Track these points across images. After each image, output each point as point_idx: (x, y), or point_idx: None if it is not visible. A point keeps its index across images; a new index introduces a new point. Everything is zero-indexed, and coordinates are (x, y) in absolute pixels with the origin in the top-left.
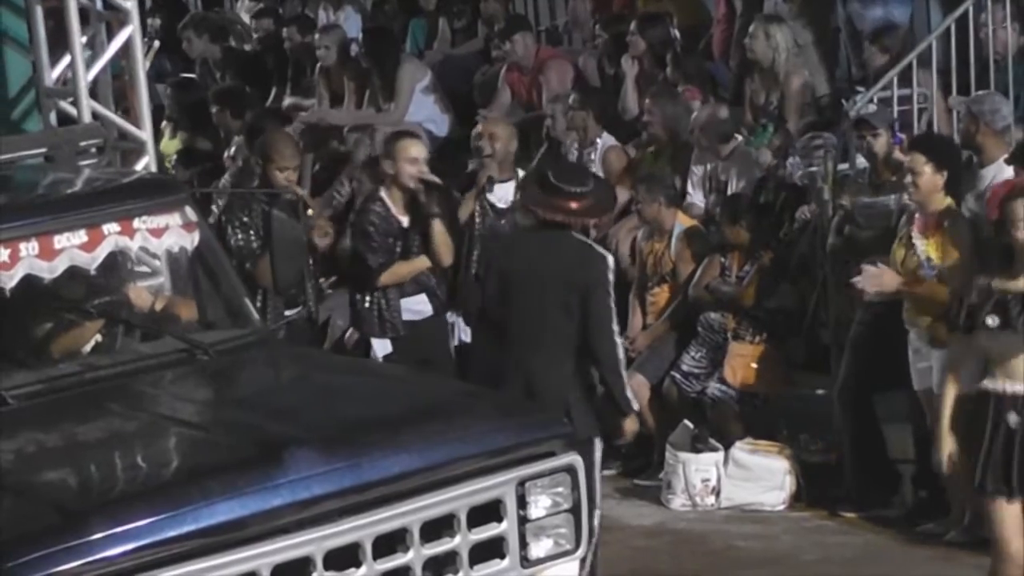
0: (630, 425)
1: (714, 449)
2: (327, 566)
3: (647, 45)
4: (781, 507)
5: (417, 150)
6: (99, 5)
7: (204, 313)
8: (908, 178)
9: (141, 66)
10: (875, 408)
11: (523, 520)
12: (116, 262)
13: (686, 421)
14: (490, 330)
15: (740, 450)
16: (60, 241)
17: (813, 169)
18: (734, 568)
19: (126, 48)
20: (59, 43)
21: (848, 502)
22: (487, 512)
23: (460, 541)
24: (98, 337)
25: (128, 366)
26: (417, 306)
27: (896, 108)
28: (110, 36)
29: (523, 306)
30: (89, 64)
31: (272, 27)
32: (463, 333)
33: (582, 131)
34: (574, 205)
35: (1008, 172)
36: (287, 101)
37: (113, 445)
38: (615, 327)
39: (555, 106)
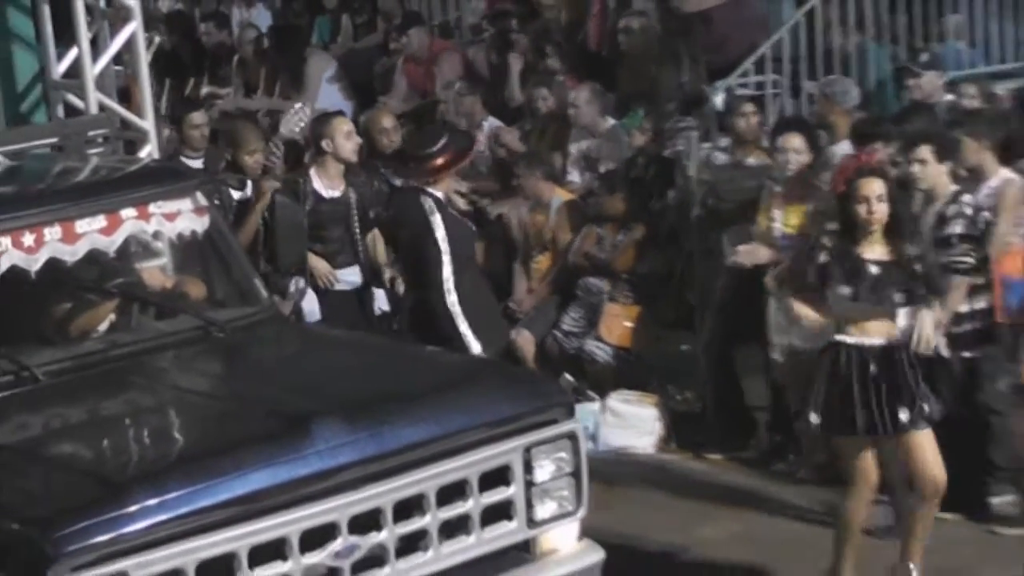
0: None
1: (592, 400)
2: (351, 530)
3: (530, 38)
4: (652, 450)
5: (350, 126)
6: (102, 3)
7: (216, 292)
8: (784, 156)
9: (143, 60)
10: (735, 362)
11: (529, 484)
12: (132, 245)
13: (566, 374)
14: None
15: (615, 400)
16: (81, 226)
17: (679, 148)
18: (613, 502)
19: (129, 43)
20: (61, 40)
21: (711, 445)
22: (496, 477)
23: (472, 505)
24: (117, 316)
25: (149, 343)
26: (349, 277)
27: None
28: (113, 32)
29: (403, 258)
30: (94, 59)
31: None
32: (383, 302)
33: (470, 115)
34: (439, 162)
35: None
36: (204, 90)
37: (144, 418)
38: (446, 279)
39: (447, 93)
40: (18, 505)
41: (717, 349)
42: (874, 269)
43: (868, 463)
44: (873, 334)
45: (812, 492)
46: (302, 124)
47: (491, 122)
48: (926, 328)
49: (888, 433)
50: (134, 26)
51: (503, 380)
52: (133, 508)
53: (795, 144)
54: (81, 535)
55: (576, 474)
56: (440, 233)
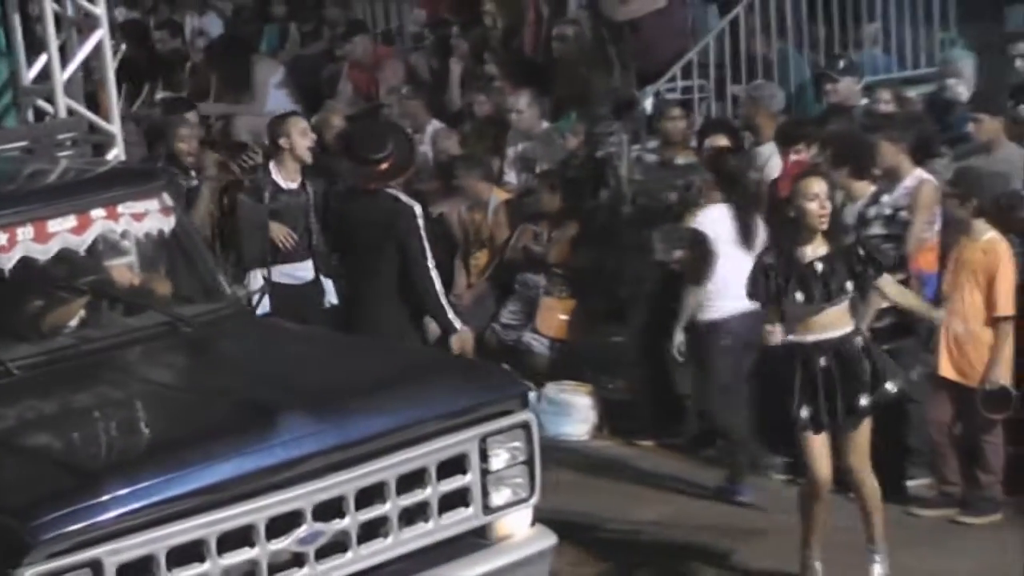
0: (457, 343)
1: (529, 389)
2: (315, 517)
3: (469, 45)
4: (586, 437)
5: (305, 125)
6: (70, 11)
7: (182, 289)
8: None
9: (110, 67)
10: (664, 352)
11: (485, 472)
12: (100, 244)
13: (504, 365)
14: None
15: (551, 390)
16: (53, 226)
17: (611, 150)
18: (549, 487)
19: (96, 50)
20: (31, 47)
21: (642, 432)
22: (453, 465)
23: (431, 492)
24: (87, 312)
25: (119, 338)
26: (300, 272)
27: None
28: (80, 40)
29: (358, 258)
30: (63, 65)
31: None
32: (332, 296)
33: (414, 118)
34: (383, 167)
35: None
36: (159, 95)
37: (116, 411)
38: (430, 263)
39: (391, 97)
40: None
41: (647, 340)
42: (820, 267)
43: (822, 453)
44: (829, 329)
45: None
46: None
47: (434, 125)
48: (892, 290)
49: (846, 422)
50: (101, 34)
51: (460, 373)
52: (106, 497)
53: (720, 144)
54: (57, 523)
55: (529, 462)
56: (421, 223)
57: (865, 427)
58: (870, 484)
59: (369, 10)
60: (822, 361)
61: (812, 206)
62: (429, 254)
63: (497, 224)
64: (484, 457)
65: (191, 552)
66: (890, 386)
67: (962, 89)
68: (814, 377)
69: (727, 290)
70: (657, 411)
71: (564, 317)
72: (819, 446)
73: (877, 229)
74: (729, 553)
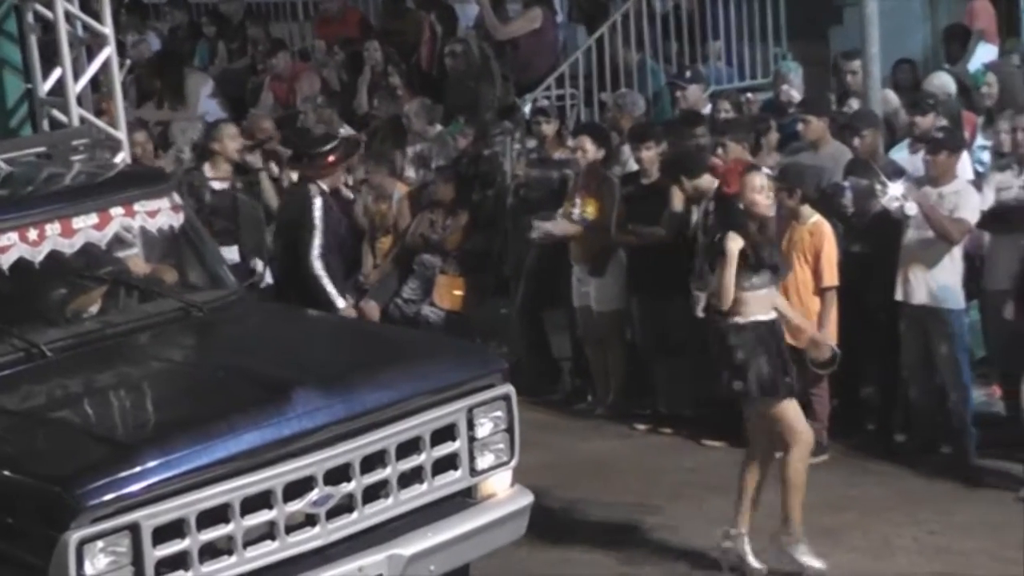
0: (348, 311)
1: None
2: (326, 482)
3: (376, 60)
4: None
5: (235, 130)
6: (80, 31)
7: (192, 277)
8: (578, 154)
9: (117, 80)
10: (543, 321)
11: (472, 439)
12: (118, 238)
13: None
14: None
15: None
16: (77, 222)
17: (496, 149)
18: None
19: (105, 65)
20: (44, 63)
21: (525, 390)
22: (445, 434)
23: (425, 458)
24: (108, 299)
25: (139, 323)
26: (228, 255)
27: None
28: (90, 56)
29: (282, 243)
30: (75, 79)
31: None
32: (268, 277)
33: (328, 124)
34: (331, 159)
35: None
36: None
37: (143, 388)
38: (315, 250)
39: (306, 105)
40: (40, 464)
41: (528, 311)
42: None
43: (796, 416)
44: (771, 310)
45: (607, 426)
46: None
47: (345, 130)
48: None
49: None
50: (109, 51)
51: (450, 351)
52: (142, 467)
53: (586, 144)
54: (100, 491)
55: (510, 429)
56: (317, 214)
57: None
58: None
59: (288, 30)
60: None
61: (759, 197)
62: (317, 241)
63: (400, 213)
64: (471, 426)
65: (218, 514)
66: None
67: (795, 94)
68: (781, 350)
69: None
70: (537, 372)
71: (457, 292)
72: (793, 409)
73: None
74: (600, 483)
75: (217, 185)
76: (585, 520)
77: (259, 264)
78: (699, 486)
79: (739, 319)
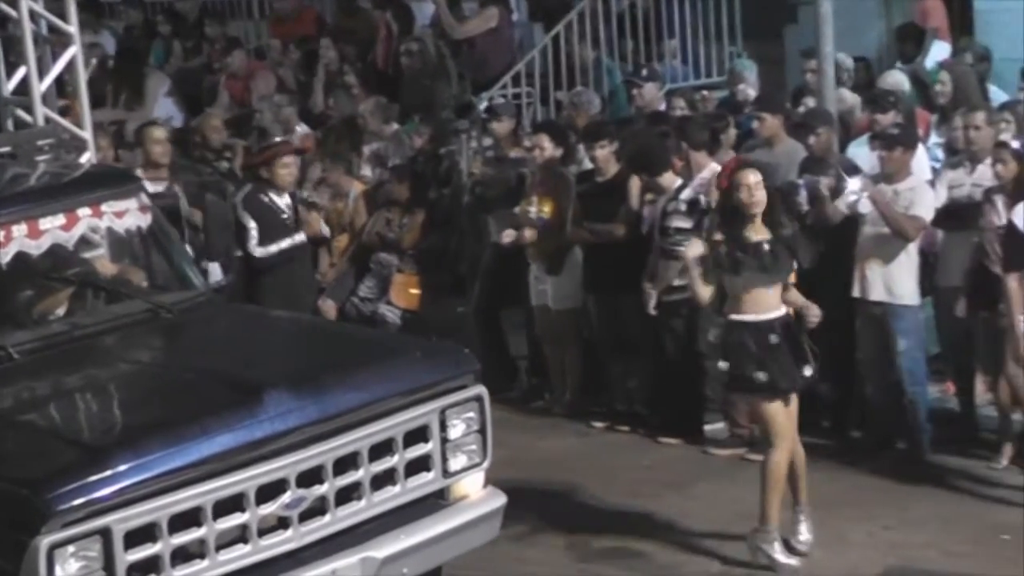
0: None
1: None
2: (298, 484)
3: (330, 58)
4: None
5: (161, 133)
6: (44, 29)
7: (160, 279)
8: (535, 152)
9: (82, 79)
10: (500, 320)
11: (444, 440)
12: (86, 239)
13: None
14: None
15: None
16: (44, 223)
17: (453, 147)
18: None
19: (70, 64)
20: (7, 63)
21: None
22: (417, 435)
23: (398, 459)
24: (76, 301)
25: (107, 324)
26: None
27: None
28: (55, 55)
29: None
30: (39, 78)
31: None
32: (216, 275)
33: (287, 122)
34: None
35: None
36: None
37: (114, 390)
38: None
39: (263, 104)
40: (9, 468)
41: (485, 310)
42: (767, 247)
43: (787, 418)
44: (771, 309)
45: (564, 424)
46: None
47: (302, 128)
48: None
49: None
50: (74, 50)
51: (422, 352)
52: (114, 470)
53: (544, 142)
54: (70, 495)
55: (482, 431)
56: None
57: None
58: (798, 450)
59: (243, 29)
60: (772, 337)
61: (742, 195)
62: (251, 236)
63: (356, 211)
64: (443, 427)
65: (190, 518)
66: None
67: (751, 92)
68: (773, 349)
69: None
70: (494, 370)
71: (414, 291)
72: (782, 410)
73: (678, 221)
74: (557, 480)
75: (151, 188)
76: (542, 518)
77: (211, 265)
78: (656, 483)
79: (729, 317)
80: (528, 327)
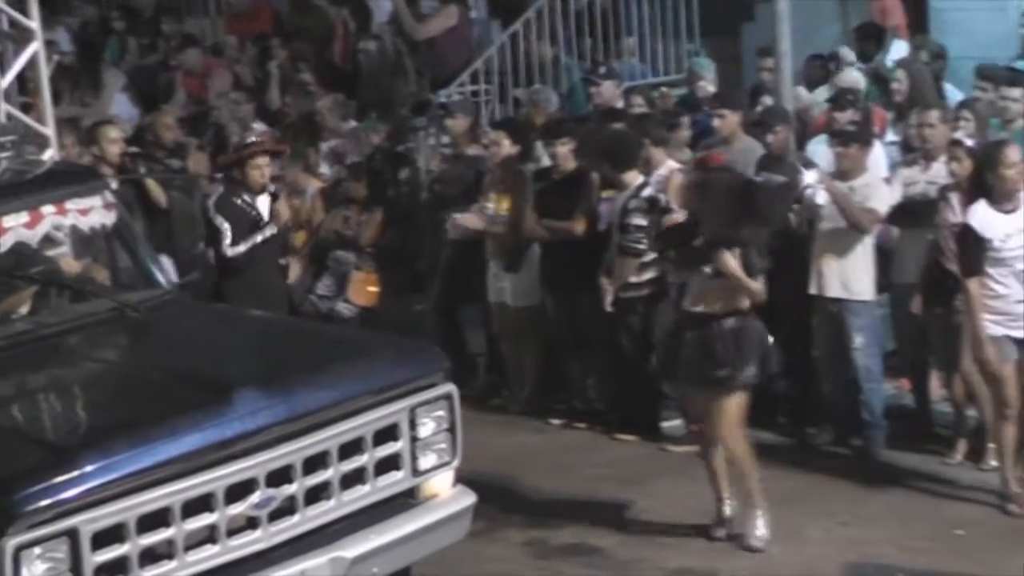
0: None
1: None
2: (267, 484)
3: (286, 55)
4: None
5: (115, 132)
6: (5, 25)
7: (125, 277)
8: (492, 149)
9: (44, 75)
10: (459, 317)
11: (414, 439)
12: (50, 237)
13: None
14: None
15: None
16: (8, 221)
17: (411, 144)
18: None
19: (32, 61)
20: None
21: None
22: (387, 434)
23: (368, 458)
24: (40, 300)
25: (73, 323)
26: None
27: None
28: (16, 51)
29: None
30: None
31: None
32: (172, 274)
33: (243, 120)
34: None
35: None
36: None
37: (81, 390)
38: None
39: (220, 101)
40: None
41: (443, 307)
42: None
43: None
44: (707, 304)
45: (521, 421)
46: None
47: (259, 126)
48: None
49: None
50: (36, 46)
51: (391, 350)
52: (81, 470)
53: (502, 140)
54: (37, 496)
55: (452, 429)
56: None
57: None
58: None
59: (200, 26)
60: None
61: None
62: (225, 237)
63: (314, 209)
64: (413, 426)
65: (158, 518)
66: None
67: (711, 89)
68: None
69: None
70: (453, 367)
71: (372, 289)
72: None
73: (634, 220)
74: (515, 477)
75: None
76: (500, 515)
77: (163, 259)
78: (613, 480)
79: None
80: (486, 325)
